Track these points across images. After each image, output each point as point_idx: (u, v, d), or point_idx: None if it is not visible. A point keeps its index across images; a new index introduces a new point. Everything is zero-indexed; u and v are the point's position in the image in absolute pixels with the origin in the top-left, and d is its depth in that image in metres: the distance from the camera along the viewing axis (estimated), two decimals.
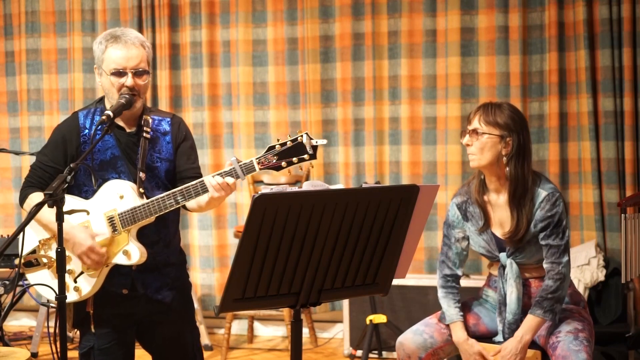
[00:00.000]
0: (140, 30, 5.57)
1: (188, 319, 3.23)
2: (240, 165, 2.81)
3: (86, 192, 3.05)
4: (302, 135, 2.77)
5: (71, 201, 3.01)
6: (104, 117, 2.87)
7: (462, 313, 3.30)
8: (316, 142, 2.77)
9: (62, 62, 5.78)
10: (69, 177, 2.68)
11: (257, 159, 2.80)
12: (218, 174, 2.83)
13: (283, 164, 2.78)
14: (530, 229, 3.20)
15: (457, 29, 5.15)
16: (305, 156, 2.78)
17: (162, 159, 3.09)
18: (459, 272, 3.38)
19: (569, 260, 3.19)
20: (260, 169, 2.80)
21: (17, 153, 4.77)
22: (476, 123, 3.20)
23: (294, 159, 2.78)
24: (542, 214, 3.18)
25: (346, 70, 5.36)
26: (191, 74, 5.57)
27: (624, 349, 4.40)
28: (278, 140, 2.80)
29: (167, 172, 3.10)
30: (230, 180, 2.81)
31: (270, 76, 5.48)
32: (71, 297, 3.00)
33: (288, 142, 2.78)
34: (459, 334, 3.26)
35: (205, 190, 2.85)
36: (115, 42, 2.98)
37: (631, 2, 4.81)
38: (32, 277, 3.08)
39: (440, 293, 3.36)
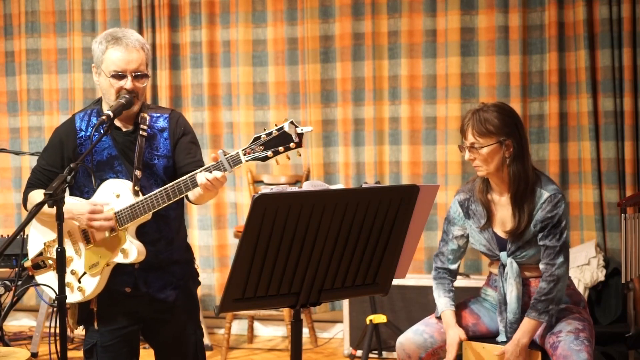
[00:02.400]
0: (140, 30, 5.58)
1: (192, 318, 3.22)
2: (226, 158, 2.79)
3: (87, 193, 3.06)
4: (286, 124, 2.73)
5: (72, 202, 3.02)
6: (103, 117, 2.88)
7: (452, 302, 3.31)
8: (301, 129, 2.73)
9: (62, 62, 5.78)
10: (68, 177, 2.69)
11: (243, 150, 2.77)
12: (205, 169, 2.81)
13: (269, 153, 2.74)
14: (530, 228, 3.20)
15: (457, 29, 5.15)
16: (292, 144, 2.73)
17: (160, 156, 3.08)
18: (452, 267, 3.39)
19: (564, 262, 3.18)
20: (246, 160, 2.77)
21: (17, 153, 4.77)
22: (471, 137, 3.19)
23: (280, 148, 2.74)
24: (543, 215, 3.18)
25: (346, 70, 5.36)
26: (191, 74, 5.58)
27: (624, 349, 4.40)
28: (264, 129, 2.79)
29: (165, 168, 3.09)
30: (218, 174, 2.78)
31: (270, 76, 5.48)
32: (75, 297, 3.02)
33: (273, 132, 2.74)
34: (447, 321, 3.26)
35: (195, 184, 2.83)
36: (116, 44, 2.98)
37: (631, 2, 4.81)
38: (40, 279, 3.10)
39: (433, 285, 3.39)
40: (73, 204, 2.97)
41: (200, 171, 2.82)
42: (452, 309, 3.30)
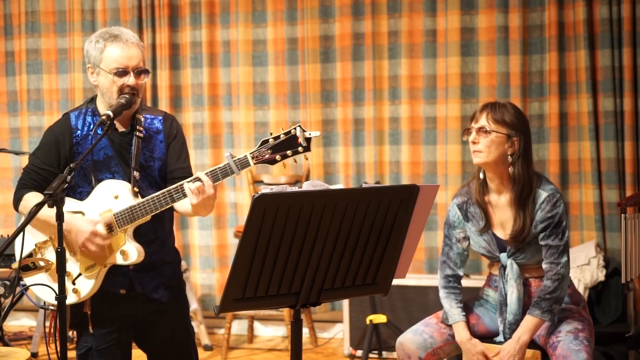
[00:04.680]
0: (140, 30, 5.58)
1: (184, 317, 3.22)
2: (234, 161, 2.80)
3: (80, 194, 3.03)
4: (295, 128, 2.75)
5: (66, 203, 2.99)
6: (104, 117, 2.85)
7: (464, 313, 3.31)
8: (309, 134, 2.75)
9: (62, 62, 5.78)
10: (69, 177, 2.66)
11: (251, 153, 2.79)
12: (211, 171, 2.82)
13: (277, 157, 2.76)
14: (531, 230, 3.20)
15: (457, 29, 5.15)
16: (299, 149, 2.75)
17: (155, 158, 3.07)
18: (460, 273, 3.39)
19: (567, 261, 3.20)
20: (254, 164, 2.78)
21: (17, 153, 4.77)
22: (484, 121, 3.20)
23: (288, 152, 2.76)
24: (543, 215, 3.18)
25: (346, 70, 5.36)
26: (191, 74, 5.58)
27: (624, 349, 4.40)
28: (271, 134, 2.79)
29: (160, 170, 3.08)
30: (205, 178, 2.78)
31: (270, 76, 5.48)
32: (70, 299, 2.98)
33: (281, 136, 2.76)
34: (461, 334, 3.26)
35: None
36: (115, 41, 2.96)
37: (631, 2, 4.81)
38: (29, 281, 3.06)
39: (442, 293, 3.36)
40: (75, 217, 2.95)
41: (206, 173, 2.82)
42: (464, 319, 3.29)
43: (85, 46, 3.04)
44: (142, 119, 3.06)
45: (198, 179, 2.81)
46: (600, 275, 4.70)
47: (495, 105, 3.23)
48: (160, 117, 3.13)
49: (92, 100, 3.11)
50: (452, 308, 3.31)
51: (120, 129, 3.05)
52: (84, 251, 2.96)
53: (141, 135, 3.04)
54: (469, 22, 5.16)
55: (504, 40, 5.10)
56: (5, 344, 4.42)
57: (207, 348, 5.21)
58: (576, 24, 4.96)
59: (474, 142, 3.21)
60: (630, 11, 4.81)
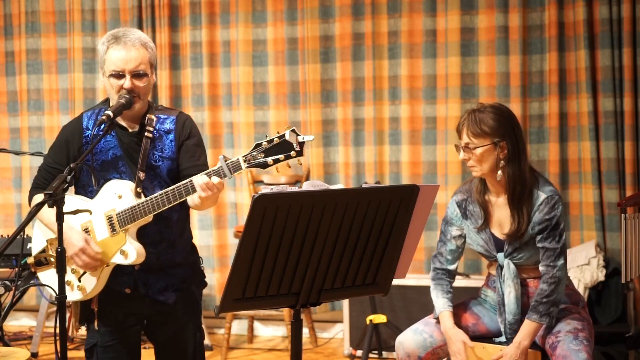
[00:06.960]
0: (140, 30, 5.57)
1: (193, 319, 3.20)
2: (227, 164, 2.78)
3: (91, 192, 3.06)
4: (288, 132, 2.73)
5: (76, 201, 3.02)
6: (103, 117, 2.87)
7: (450, 304, 3.31)
8: (303, 138, 2.72)
9: (62, 62, 5.78)
10: (68, 177, 2.69)
11: (243, 156, 2.77)
12: (205, 173, 2.81)
13: (270, 161, 2.74)
14: (528, 231, 3.20)
15: (457, 29, 5.16)
16: (292, 153, 2.73)
17: (164, 158, 3.07)
18: (450, 267, 3.39)
19: (564, 264, 3.18)
20: (246, 167, 2.76)
21: (17, 153, 4.76)
22: (466, 138, 3.19)
23: (281, 156, 2.74)
24: (540, 217, 3.18)
25: (346, 70, 5.36)
26: (191, 74, 5.58)
27: (624, 349, 4.40)
28: (266, 136, 2.78)
29: (169, 170, 3.07)
30: (215, 179, 2.78)
31: (270, 76, 5.48)
32: (76, 295, 3.03)
33: (275, 139, 2.74)
34: (446, 323, 3.27)
35: (194, 189, 2.83)
36: (115, 43, 2.97)
37: (631, 2, 4.81)
38: (42, 275, 3.11)
39: (431, 286, 3.39)
40: (71, 229, 2.96)
41: (200, 176, 2.81)
42: (450, 310, 3.30)
43: (97, 46, 3.08)
44: (154, 119, 3.06)
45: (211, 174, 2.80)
46: (600, 275, 4.70)
47: (472, 116, 3.18)
48: (174, 117, 3.12)
49: (107, 101, 3.13)
50: (437, 299, 3.33)
51: (130, 129, 3.06)
52: (94, 232, 2.99)
53: (150, 135, 3.03)
54: (469, 22, 5.16)
55: (504, 40, 5.10)
56: (5, 344, 4.42)
57: (207, 348, 5.21)
58: (576, 24, 4.96)
59: (465, 160, 3.21)
60: (630, 11, 4.82)
